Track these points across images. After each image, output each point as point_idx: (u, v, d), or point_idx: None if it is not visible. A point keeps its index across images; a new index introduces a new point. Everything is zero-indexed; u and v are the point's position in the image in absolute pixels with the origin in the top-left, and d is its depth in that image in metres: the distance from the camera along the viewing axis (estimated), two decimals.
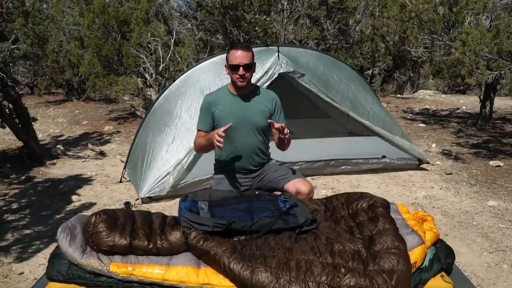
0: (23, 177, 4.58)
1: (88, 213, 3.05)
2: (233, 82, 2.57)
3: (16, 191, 4.14)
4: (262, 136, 2.66)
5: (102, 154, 5.53)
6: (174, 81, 4.16)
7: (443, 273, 1.92)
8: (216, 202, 2.17)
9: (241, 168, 2.69)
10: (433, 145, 5.83)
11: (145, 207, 3.61)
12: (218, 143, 2.29)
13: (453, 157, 5.25)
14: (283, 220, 2.01)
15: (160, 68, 6.94)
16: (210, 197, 2.22)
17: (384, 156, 4.40)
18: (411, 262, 1.79)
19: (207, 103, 2.61)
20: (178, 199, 3.68)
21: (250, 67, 2.52)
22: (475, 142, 6.00)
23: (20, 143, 5.43)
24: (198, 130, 2.65)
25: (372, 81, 11.16)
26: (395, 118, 6.86)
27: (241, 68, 2.47)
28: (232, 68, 2.49)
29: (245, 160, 2.66)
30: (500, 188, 4.13)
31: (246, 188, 2.66)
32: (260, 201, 2.22)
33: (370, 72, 10.63)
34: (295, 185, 2.60)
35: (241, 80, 2.51)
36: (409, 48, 8.11)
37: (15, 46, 4.90)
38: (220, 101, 2.60)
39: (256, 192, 2.39)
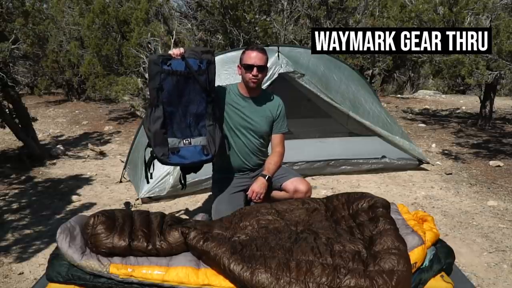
0: (23, 177, 4.57)
1: (88, 213, 3.04)
2: (245, 83, 2.57)
3: (16, 191, 4.14)
4: (261, 140, 2.67)
5: (102, 154, 5.52)
6: None
7: (443, 273, 1.91)
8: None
9: (239, 168, 2.70)
10: (433, 145, 5.82)
11: (145, 207, 3.61)
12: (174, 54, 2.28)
13: (453, 157, 5.25)
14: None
15: None
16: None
17: (384, 156, 4.40)
18: (411, 263, 1.78)
19: (219, 86, 2.61)
20: (178, 199, 3.72)
21: (263, 69, 2.55)
22: (475, 142, 6.00)
23: (20, 143, 5.43)
24: None
25: (372, 81, 11.16)
26: (395, 118, 6.87)
27: (255, 68, 2.49)
28: (246, 67, 2.50)
29: (243, 161, 2.67)
30: (500, 188, 4.13)
31: (244, 188, 2.66)
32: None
33: (370, 72, 10.63)
34: (293, 183, 2.61)
35: (253, 80, 2.52)
36: None
37: (15, 46, 4.90)
38: (229, 96, 2.61)
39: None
